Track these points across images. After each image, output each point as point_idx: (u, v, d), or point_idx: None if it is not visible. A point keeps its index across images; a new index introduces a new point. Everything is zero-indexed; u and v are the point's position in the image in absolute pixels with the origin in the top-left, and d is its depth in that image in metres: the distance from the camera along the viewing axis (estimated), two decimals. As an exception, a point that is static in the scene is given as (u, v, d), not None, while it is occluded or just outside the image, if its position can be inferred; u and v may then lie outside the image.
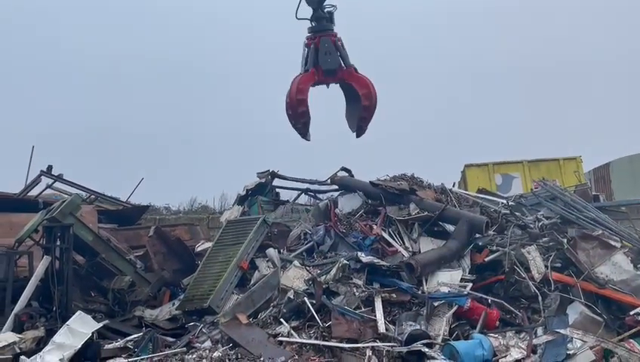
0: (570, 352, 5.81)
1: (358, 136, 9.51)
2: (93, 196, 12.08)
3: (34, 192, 11.52)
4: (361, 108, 8.80)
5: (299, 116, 8.07)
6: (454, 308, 6.61)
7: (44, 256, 7.62)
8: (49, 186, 11.59)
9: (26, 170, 11.93)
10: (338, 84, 9.51)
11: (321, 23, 8.56)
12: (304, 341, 6.27)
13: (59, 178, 11.58)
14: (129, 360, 6.06)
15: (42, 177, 11.59)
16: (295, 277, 7.72)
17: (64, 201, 8.37)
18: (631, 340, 6.00)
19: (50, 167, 11.66)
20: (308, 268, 7.84)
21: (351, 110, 9.44)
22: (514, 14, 42.63)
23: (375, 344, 5.96)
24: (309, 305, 6.86)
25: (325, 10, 8.67)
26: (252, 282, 8.16)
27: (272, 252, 8.40)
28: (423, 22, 40.56)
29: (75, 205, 8.24)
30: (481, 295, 7.00)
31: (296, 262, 8.05)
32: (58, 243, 7.72)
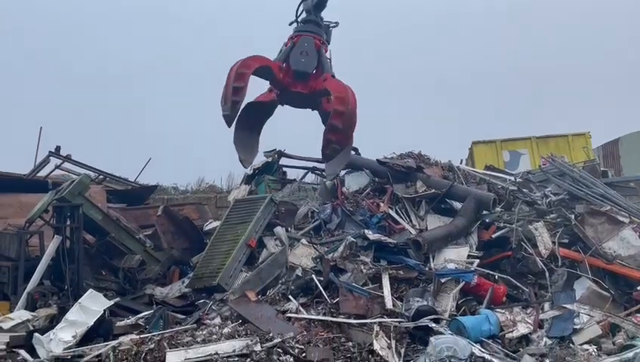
0: (577, 327, 5.85)
1: (324, 157, 7.60)
2: (101, 176, 12.15)
3: (43, 173, 11.60)
4: (330, 115, 6.80)
5: (231, 92, 6.25)
6: (461, 284, 6.64)
7: (55, 236, 7.71)
8: (58, 167, 11.65)
9: (34, 151, 12.02)
10: (310, 107, 7.89)
11: (309, 25, 7.31)
12: (312, 317, 6.34)
13: (67, 158, 11.64)
14: (141, 336, 6.15)
15: (51, 158, 11.66)
16: (303, 255, 7.78)
17: (73, 182, 8.44)
18: (638, 315, 6.03)
19: (58, 148, 11.72)
20: (315, 246, 7.89)
21: None
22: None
23: (382, 319, 6.01)
24: (317, 282, 6.92)
25: (323, 21, 7.49)
26: (260, 260, 8.23)
27: (279, 230, 8.47)
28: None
29: (83, 185, 8.31)
30: (488, 271, 7.03)
31: (303, 240, 8.10)
32: (68, 222, 7.80)
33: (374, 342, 5.49)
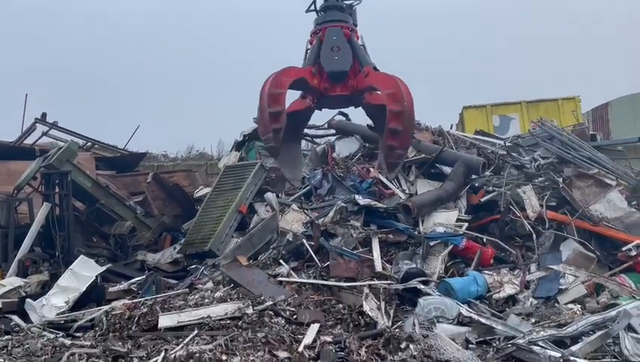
0: (563, 287, 5.96)
1: (390, 170, 6.55)
2: (89, 143, 12.04)
3: (30, 141, 11.47)
4: (387, 119, 5.58)
5: (269, 120, 5.19)
6: (450, 247, 6.73)
7: (44, 203, 7.68)
8: (44, 134, 11.52)
9: (21, 118, 11.85)
10: (353, 105, 6.79)
11: (332, 12, 5.91)
12: (303, 280, 6.42)
13: (54, 125, 11.49)
14: (133, 301, 6.20)
15: (37, 125, 11.51)
16: (293, 221, 7.82)
17: (60, 148, 8.36)
18: (622, 275, 6.15)
19: (44, 115, 11.56)
20: (306, 211, 7.92)
21: (382, 141, 6.51)
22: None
23: (372, 282, 6.09)
24: (308, 247, 6.97)
25: (344, 1, 6.15)
26: (251, 226, 8.28)
27: (270, 196, 8.49)
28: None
29: (71, 152, 8.24)
30: (476, 234, 7.12)
31: (294, 206, 8.13)
32: (57, 190, 7.76)
33: (364, 303, 5.56)
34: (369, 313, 5.48)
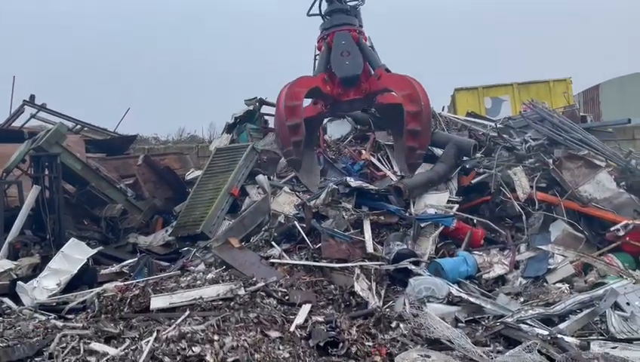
0: (551, 267, 6.04)
1: (411, 171, 6.26)
2: (79, 126, 11.92)
3: (18, 123, 11.35)
4: (405, 121, 5.38)
5: (288, 133, 5.04)
6: (440, 229, 6.78)
7: (34, 186, 7.62)
8: (33, 116, 11.38)
9: (9, 100, 11.70)
10: (366, 107, 6.72)
11: (338, 16, 5.77)
12: (295, 262, 6.45)
13: (42, 107, 11.36)
14: (125, 283, 6.21)
15: (25, 107, 11.37)
16: (285, 203, 7.84)
17: (49, 131, 8.27)
18: (610, 255, 6.23)
19: (32, 97, 11.41)
20: (297, 193, 7.93)
21: (399, 142, 6.19)
22: None
23: (363, 263, 6.14)
24: (300, 229, 7.00)
25: (346, 2, 6.01)
26: (243, 208, 8.28)
27: (261, 178, 8.48)
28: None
29: (60, 134, 8.16)
30: (467, 215, 7.17)
31: (286, 188, 8.14)
32: (46, 172, 7.70)
33: (355, 284, 5.61)
34: (360, 293, 5.53)
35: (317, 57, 5.81)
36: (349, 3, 6.10)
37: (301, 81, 5.34)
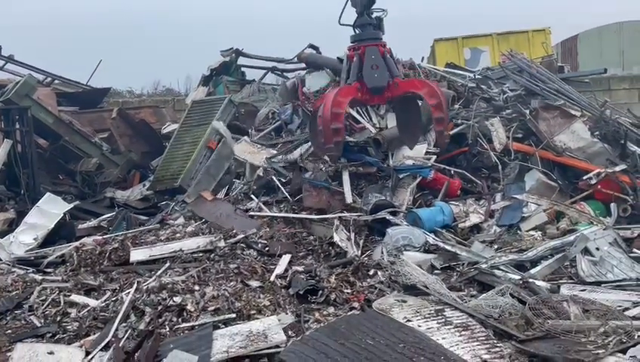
0: (525, 215, 6.17)
1: (441, 148, 7.25)
2: (49, 78, 11.52)
3: (-15, 76, 10.94)
4: (430, 112, 6.60)
5: (332, 134, 6.03)
6: (418, 180, 6.83)
7: (5, 140, 7.44)
8: (0, 68, 10.97)
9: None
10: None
11: (367, 30, 6.64)
12: (275, 214, 6.48)
13: (10, 59, 10.94)
14: (104, 236, 6.19)
15: (-8, 59, 10.94)
16: (246, 151, 7.74)
17: (18, 83, 8.01)
18: (582, 202, 6.39)
19: (-2, 48, 10.97)
20: (259, 145, 7.86)
21: (404, 122, 7.11)
22: None
23: (342, 214, 6.20)
24: (277, 183, 7.01)
25: (373, 15, 6.77)
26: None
27: (216, 124, 8.25)
28: None
29: (29, 86, 7.92)
30: (444, 166, 7.23)
31: (245, 138, 8.07)
32: (17, 126, 7.51)
33: (334, 234, 5.67)
34: (339, 243, 5.60)
35: (347, 64, 6.68)
36: (376, 10, 6.84)
37: (342, 93, 6.38)
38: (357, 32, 6.73)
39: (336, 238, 5.64)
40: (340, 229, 5.89)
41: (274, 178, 7.09)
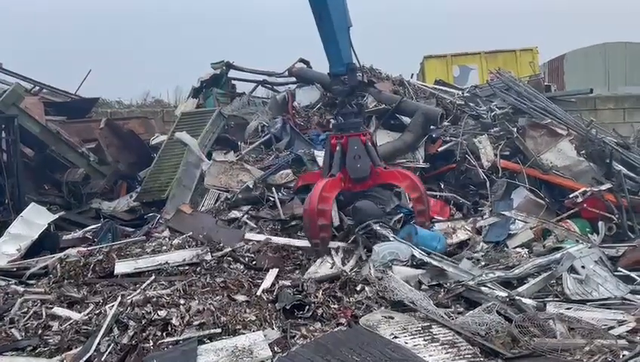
0: (512, 232, 6.21)
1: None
2: (37, 87, 11.43)
3: (-28, 84, 10.81)
4: (413, 205, 6.55)
5: (318, 230, 5.86)
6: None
7: (-10, 149, 7.35)
8: (-12, 77, 10.87)
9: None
10: None
11: (349, 118, 6.60)
12: (266, 237, 6.20)
13: (-3, 68, 10.85)
14: (89, 248, 6.11)
15: (-21, 67, 10.84)
16: (219, 173, 7.54)
17: (5, 91, 7.93)
18: (568, 220, 6.44)
19: (-14, 57, 10.88)
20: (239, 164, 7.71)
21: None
22: None
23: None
24: (271, 198, 7.01)
25: (352, 103, 6.71)
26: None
27: (179, 134, 8.10)
28: None
29: (17, 95, 7.85)
30: (432, 192, 7.23)
31: (215, 156, 7.89)
32: (3, 135, 7.42)
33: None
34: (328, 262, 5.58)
35: (329, 152, 6.59)
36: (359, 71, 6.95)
37: (329, 186, 6.21)
38: (339, 120, 6.73)
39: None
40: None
41: (270, 197, 7.07)
